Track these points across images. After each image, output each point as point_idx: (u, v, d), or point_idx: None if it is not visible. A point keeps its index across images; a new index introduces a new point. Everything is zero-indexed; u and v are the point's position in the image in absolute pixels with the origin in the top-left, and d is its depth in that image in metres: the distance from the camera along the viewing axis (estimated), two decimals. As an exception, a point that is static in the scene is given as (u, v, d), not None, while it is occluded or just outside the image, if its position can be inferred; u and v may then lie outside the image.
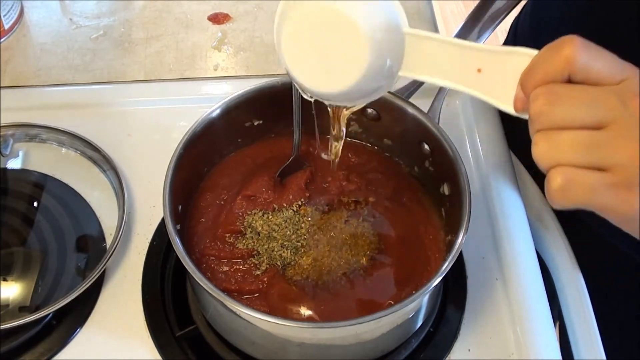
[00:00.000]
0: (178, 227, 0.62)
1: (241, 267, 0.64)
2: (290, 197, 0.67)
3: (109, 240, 0.72)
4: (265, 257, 0.64)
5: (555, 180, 0.42)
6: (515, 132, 0.79)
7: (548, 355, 0.64)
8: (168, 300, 0.68)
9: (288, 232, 0.65)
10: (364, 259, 0.64)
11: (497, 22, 0.68)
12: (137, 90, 0.86)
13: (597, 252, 0.74)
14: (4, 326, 0.62)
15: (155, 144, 0.80)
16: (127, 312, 0.67)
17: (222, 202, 0.68)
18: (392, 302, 0.56)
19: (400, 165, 0.72)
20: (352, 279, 0.63)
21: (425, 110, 0.67)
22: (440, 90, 0.72)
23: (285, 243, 0.64)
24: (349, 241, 0.65)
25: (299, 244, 0.64)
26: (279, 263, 0.63)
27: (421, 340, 0.66)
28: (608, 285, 0.77)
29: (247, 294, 0.62)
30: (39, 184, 0.76)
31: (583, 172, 0.41)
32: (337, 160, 0.64)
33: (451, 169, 0.63)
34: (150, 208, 0.74)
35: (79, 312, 0.67)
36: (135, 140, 0.81)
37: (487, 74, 0.48)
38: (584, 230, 0.71)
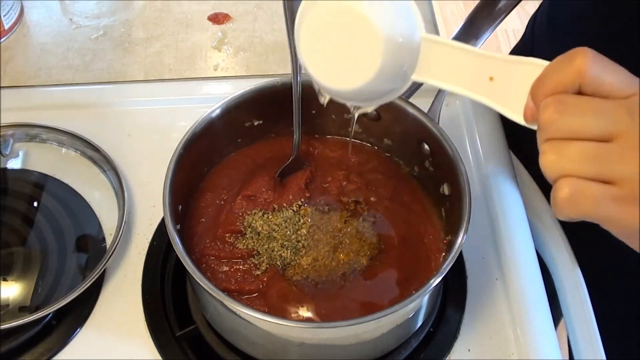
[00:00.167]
0: (178, 227, 0.62)
1: (241, 267, 0.64)
2: (290, 197, 0.67)
3: (109, 240, 0.72)
4: (265, 257, 0.64)
5: (562, 191, 0.42)
6: (515, 132, 0.79)
7: (548, 355, 0.65)
8: (168, 300, 0.68)
9: (288, 232, 0.65)
10: (364, 259, 0.64)
11: (497, 22, 0.68)
12: (137, 90, 0.86)
13: (597, 252, 0.74)
14: (4, 326, 0.62)
15: (155, 144, 0.80)
16: (127, 312, 0.67)
17: (222, 202, 0.68)
18: (392, 302, 0.56)
19: (400, 165, 0.72)
20: (352, 279, 0.63)
21: (425, 110, 0.67)
22: (441, 90, 0.72)
23: (285, 243, 0.64)
24: (348, 241, 0.65)
25: (299, 244, 0.64)
26: (279, 263, 0.63)
27: (421, 340, 0.67)
28: (608, 285, 0.77)
29: (247, 294, 0.62)
30: (39, 184, 0.76)
31: (590, 183, 0.41)
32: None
33: (451, 169, 0.63)
34: (150, 208, 0.74)
35: (79, 312, 0.67)
36: (135, 140, 0.81)
37: (498, 82, 0.48)
38: (584, 230, 0.71)
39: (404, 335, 0.65)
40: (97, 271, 0.66)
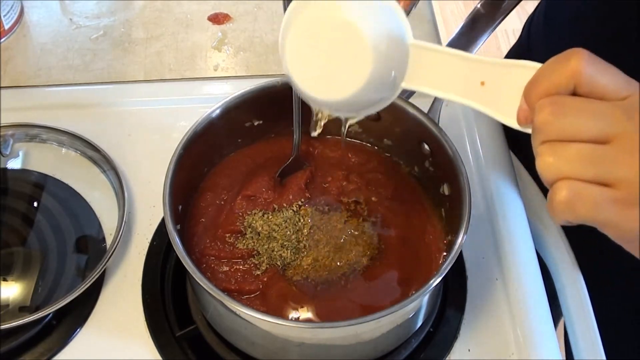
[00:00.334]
0: (178, 227, 0.62)
1: (241, 267, 0.64)
2: (290, 197, 0.67)
3: (109, 240, 0.72)
4: (265, 257, 0.64)
5: (560, 193, 0.41)
6: (515, 133, 0.79)
7: (548, 355, 0.65)
8: (168, 300, 0.68)
9: (288, 232, 0.65)
10: (364, 259, 0.64)
11: (497, 22, 0.68)
12: (137, 90, 0.86)
13: (597, 252, 0.74)
14: (4, 326, 0.62)
15: (155, 144, 0.80)
16: (127, 312, 0.67)
17: (222, 202, 0.68)
18: (392, 303, 0.56)
19: (400, 165, 0.72)
20: (352, 279, 0.63)
21: (425, 110, 0.68)
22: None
23: (285, 243, 0.64)
24: (349, 241, 0.65)
25: (299, 244, 0.64)
26: (279, 263, 0.63)
27: (421, 340, 0.67)
28: (608, 285, 0.77)
29: (247, 294, 0.62)
30: (39, 184, 0.76)
31: (588, 186, 0.41)
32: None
33: (451, 169, 0.63)
34: (150, 208, 0.74)
35: (79, 312, 0.67)
36: (135, 140, 0.81)
37: (490, 87, 0.48)
38: (584, 231, 0.71)
39: (404, 335, 0.65)
40: (97, 271, 0.66)
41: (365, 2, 0.49)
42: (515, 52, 0.92)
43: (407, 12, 0.61)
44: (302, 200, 0.68)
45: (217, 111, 0.66)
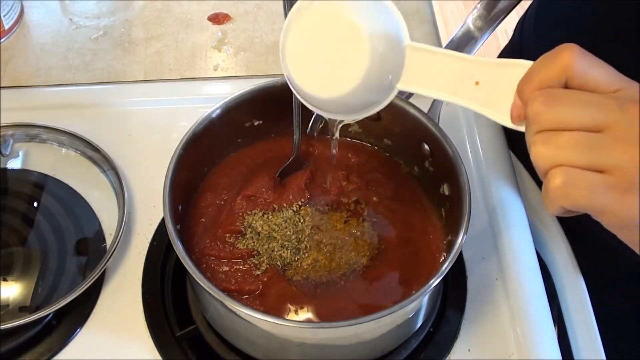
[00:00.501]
0: (178, 227, 0.62)
1: (241, 267, 0.64)
2: (290, 197, 0.67)
3: (109, 240, 0.72)
4: (265, 257, 0.64)
5: (555, 180, 0.41)
6: (515, 132, 0.79)
7: (548, 355, 0.65)
8: (168, 300, 0.68)
9: (288, 232, 0.65)
10: (364, 259, 0.64)
11: (496, 22, 0.68)
12: (137, 90, 0.86)
13: (597, 252, 0.74)
14: (4, 326, 0.62)
15: (155, 144, 0.80)
16: (127, 312, 0.67)
17: (222, 202, 0.68)
18: (392, 302, 0.56)
19: (400, 165, 0.72)
20: (352, 279, 0.63)
21: (425, 110, 0.67)
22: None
23: (285, 243, 0.64)
24: (349, 241, 0.65)
25: (299, 244, 0.64)
26: (279, 263, 0.63)
27: (421, 340, 0.67)
28: (608, 285, 0.77)
29: (247, 294, 0.62)
30: (39, 184, 0.76)
31: (583, 172, 0.41)
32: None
33: (451, 169, 0.63)
34: (150, 208, 0.74)
35: (79, 312, 0.67)
36: (135, 140, 0.81)
37: (484, 86, 0.48)
38: (584, 232, 0.71)
39: (404, 335, 0.65)
40: (97, 271, 0.66)
41: (365, 3, 0.50)
42: (508, 53, 0.92)
43: None
44: (302, 200, 0.67)
45: (217, 111, 0.66)
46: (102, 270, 0.67)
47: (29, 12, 0.96)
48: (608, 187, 0.40)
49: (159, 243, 0.72)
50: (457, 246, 0.57)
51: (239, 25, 0.95)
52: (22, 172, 0.77)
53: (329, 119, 0.60)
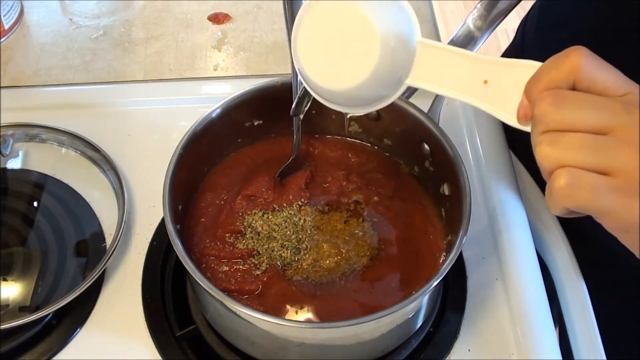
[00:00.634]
0: (178, 227, 0.62)
1: (241, 267, 0.64)
2: (290, 197, 0.67)
3: (109, 240, 0.72)
4: (265, 257, 0.64)
5: (559, 180, 0.41)
6: (515, 132, 0.79)
7: (548, 355, 0.64)
8: (168, 300, 0.68)
9: (288, 232, 0.65)
10: (364, 259, 0.64)
11: (496, 22, 0.68)
12: (137, 90, 0.86)
13: (597, 253, 0.74)
14: (4, 326, 0.62)
15: (155, 144, 0.80)
16: (127, 312, 0.67)
17: (222, 202, 0.68)
18: (392, 303, 0.56)
19: (400, 165, 0.72)
20: (352, 279, 0.63)
21: (425, 110, 0.67)
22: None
23: (285, 243, 0.64)
24: (348, 241, 0.65)
25: (299, 244, 0.64)
26: (279, 263, 0.63)
27: (421, 340, 0.67)
28: (608, 285, 0.77)
29: (247, 294, 0.62)
30: (39, 184, 0.76)
31: (588, 173, 0.41)
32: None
33: (451, 169, 0.63)
34: (150, 208, 0.74)
35: (79, 312, 0.67)
36: (135, 140, 0.81)
37: (492, 85, 0.49)
38: (584, 232, 0.71)
39: (404, 336, 0.65)
40: (97, 271, 0.66)
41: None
42: (510, 54, 0.92)
43: None
44: (302, 200, 0.67)
45: (217, 111, 0.66)
46: (102, 270, 0.67)
47: (29, 12, 0.96)
48: (612, 190, 0.40)
49: (159, 243, 0.72)
50: (457, 246, 0.57)
51: (239, 25, 0.95)
52: (22, 172, 0.77)
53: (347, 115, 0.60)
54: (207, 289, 0.55)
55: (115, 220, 0.71)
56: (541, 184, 0.77)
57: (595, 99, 0.42)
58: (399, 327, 0.61)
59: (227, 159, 0.71)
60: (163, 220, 0.72)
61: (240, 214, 0.66)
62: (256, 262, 0.64)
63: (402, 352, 0.65)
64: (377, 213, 0.68)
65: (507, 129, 0.81)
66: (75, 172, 0.77)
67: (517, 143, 0.79)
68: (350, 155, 0.72)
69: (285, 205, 0.67)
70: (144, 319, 0.67)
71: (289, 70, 0.65)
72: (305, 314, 0.61)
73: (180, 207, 0.65)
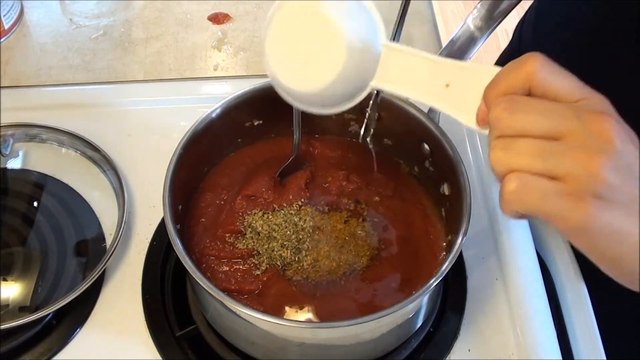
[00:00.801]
0: (178, 227, 0.62)
1: (241, 267, 0.64)
2: (290, 197, 0.67)
3: (109, 240, 0.72)
4: (265, 257, 0.64)
5: (510, 185, 0.42)
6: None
7: (548, 355, 0.64)
8: (168, 300, 0.68)
9: (288, 232, 0.65)
10: (364, 259, 0.64)
11: (497, 22, 0.68)
12: (137, 90, 0.86)
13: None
14: (4, 326, 0.62)
15: (155, 144, 0.80)
16: (127, 312, 0.67)
17: (222, 202, 0.68)
18: (392, 302, 0.56)
19: (400, 165, 0.72)
20: (352, 279, 0.63)
21: (425, 110, 0.68)
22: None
23: (285, 243, 0.64)
24: (348, 241, 0.65)
25: (299, 244, 0.64)
26: (279, 263, 0.63)
27: (421, 340, 0.67)
28: (608, 285, 0.77)
29: (247, 294, 0.62)
30: (39, 184, 0.76)
31: (538, 178, 0.42)
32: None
33: (451, 169, 0.63)
34: (150, 208, 0.74)
35: (79, 312, 0.67)
36: (135, 140, 0.81)
37: (454, 88, 0.50)
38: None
39: (404, 335, 0.65)
40: (97, 271, 0.66)
41: (342, 1, 0.51)
42: (507, 54, 0.92)
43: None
44: (302, 200, 0.67)
45: (217, 111, 0.66)
46: (102, 270, 0.67)
47: (29, 12, 0.96)
48: (560, 194, 0.41)
49: (159, 243, 0.72)
50: (457, 246, 0.57)
51: (238, 25, 0.95)
52: (22, 172, 0.77)
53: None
54: (207, 289, 0.55)
55: (115, 220, 0.71)
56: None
57: (547, 105, 0.43)
58: (399, 327, 0.61)
59: (227, 159, 0.71)
60: (163, 220, 0.72)
61: (240, 214, 0.66)
62: (256, 262, 0.64)
63: (402, 352, 0.65)
64: (377, 213, 0.68)
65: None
66: (75, 172, 0.77)
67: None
68: (350, 155, 0.72)
69: (285, 205, 0.67)
70: (144, 319, 0.67)
71: (289, 70, 0.65)
72: (305, 314, 0.61)
73: (180, 207, 0.65)
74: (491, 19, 0.68)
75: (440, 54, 0.65)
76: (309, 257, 0.64)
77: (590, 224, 0.41)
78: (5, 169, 0.77)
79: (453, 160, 0.62)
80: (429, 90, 0.51)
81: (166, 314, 0.67)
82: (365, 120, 0.66)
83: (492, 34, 0.69)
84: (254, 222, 0.66)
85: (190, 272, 0.56)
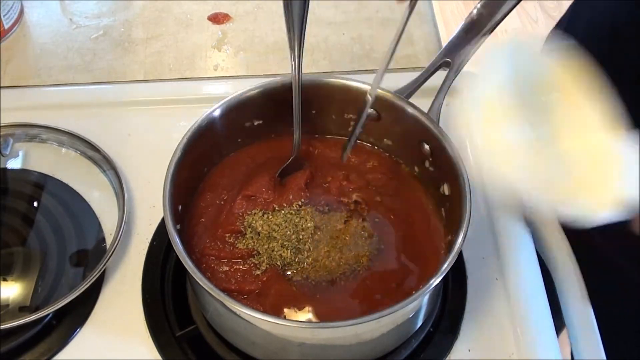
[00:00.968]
0: (178, 227, 0.62)
1: (241, 267, 0.64)
2: (290, 197, 0.67)
3: (109, 240, 0.72)
4: (265, 257, 0.64)
5: None
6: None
7: (548, 355, 0.64)
8: (168, 300, 0.68)
9: (288, 232, 0.65)
10: (364, 259, 0.64)
11: (496, 22, 0.68)
12: (137, 90, 0.86)
13: (598, 252, 0.74)
14: (4, 326, 0.62)
15: (155, 144, 0.80)
16: (127, 312, 0.67)
17: (222, 202, 0.68)
18: (392, 302, 0.56)
19: (400, 165, 0.72)
20: (352, 279, 0.63)
21: (425, 110, 0.67)
22: (440, 90, 0.72)
23: (285, 243, 0.64)
24: (348, 241, 0.65)
25: (299, 244, 0.64)
26: (279, 263, 0.63)
27: (421, 340, 0.66)
28: (608, 285, 0.77)
29: (247, 294, 0.62)
30: (39, 184, 0.76)
31: None
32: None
33: (451, 169, 0.63)
34: (150, 208, 0.74)
35: (79, 312, 0.67)
36: (135, 140, 0.81)
37: None
38: (584, 231, 0.71)
39: (404, 335, 0.65)
40: (97, 271, 0.66)
41: None
42: None
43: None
44: (302, 200, 0.67)
45: (217, 111, 0.66)
46: (102, 270, 0.67)
47: (29, 12, 0.96)
48: None
49: (159, 243, 0.72)
50: (457, 246, 0.57)
51: (239, 25, 0.95)
52: (22, 172, 0.77)
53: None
54: (207, 289, 0.55)
55: (115, 220, 0.71)
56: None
57: None
58: (399, 327, 0.61)
59: (227, 159, 0.71)
60: (163, 220, 0.72)
61: (240, 214, 0.66)
62: (256, 262, 0.64)
63: (402, 352, 0.65)
64: (377, 213, 0.68)
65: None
66: (75, 172, 0.77)
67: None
68: (350, 155, 0.72)
69: (285, 205, 0.67)
70: (144, 319, 0.67)
71: (289, 70, 0.65)
72: (305, 314, 0.61)
73: (180, 207, 0.65)
74: (491, 19, 0.68)
75: (440, 54, 0.65)
76: (309, 257, 0.64)
77: None
78: (5, 169, 0.77)
79: (453, 160, 0.62)
80: None
81: (166, 314, 0.67)
82: (349, 137, 0.65)
83: (492, 34, 0.69)
84: (254, 222, 0.66)
85: (190, 272, 0.56)
